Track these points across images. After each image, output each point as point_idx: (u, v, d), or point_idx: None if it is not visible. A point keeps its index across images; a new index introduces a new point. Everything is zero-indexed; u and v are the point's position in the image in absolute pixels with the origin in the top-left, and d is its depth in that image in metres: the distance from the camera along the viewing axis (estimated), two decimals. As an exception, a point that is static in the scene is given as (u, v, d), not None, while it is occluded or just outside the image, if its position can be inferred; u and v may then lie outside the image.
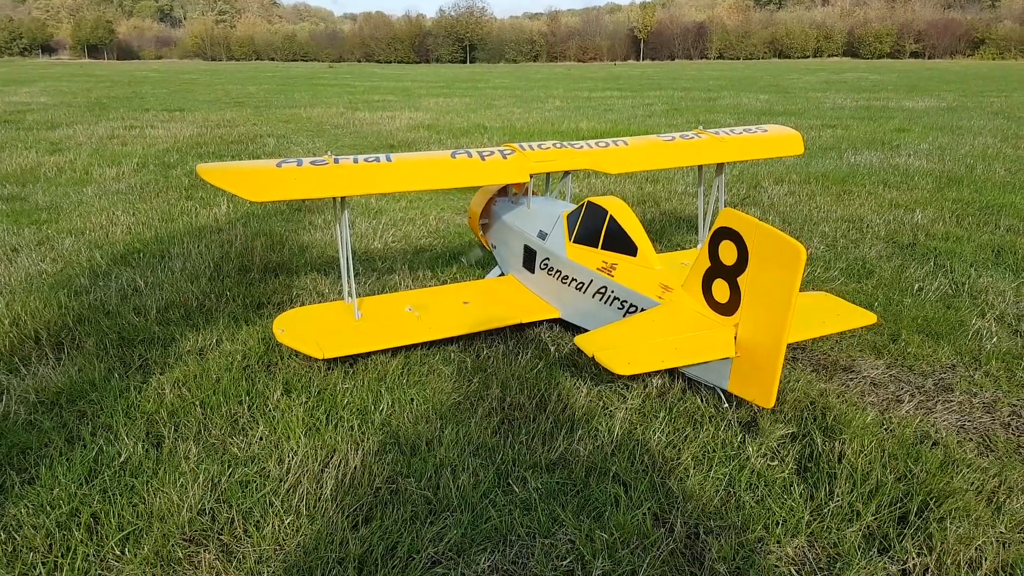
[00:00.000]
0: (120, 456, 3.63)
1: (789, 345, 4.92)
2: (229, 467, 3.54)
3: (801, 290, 3.46)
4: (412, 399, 4.25)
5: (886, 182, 10.68)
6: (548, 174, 5.86)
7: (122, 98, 29.13)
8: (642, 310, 4.30)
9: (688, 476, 3.47)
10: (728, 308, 3.79)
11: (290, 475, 3.49)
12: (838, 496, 3.33)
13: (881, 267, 6.66)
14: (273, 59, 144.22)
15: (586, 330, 4.45)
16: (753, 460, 3.58)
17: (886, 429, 3.94)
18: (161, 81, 45.23)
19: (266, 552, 3.00)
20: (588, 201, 4.96)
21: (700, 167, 6.12)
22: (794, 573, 2.93)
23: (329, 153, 4.77)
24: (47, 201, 9.75)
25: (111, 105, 25.43)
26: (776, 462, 3.61)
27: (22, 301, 5.67)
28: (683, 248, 7.16)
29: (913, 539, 3.05)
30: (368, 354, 4.69)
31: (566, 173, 5.85)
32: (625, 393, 4.26)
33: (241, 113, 22.71)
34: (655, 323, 4.04)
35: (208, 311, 5.62)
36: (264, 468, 3.55)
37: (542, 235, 5.32)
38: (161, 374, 4.54)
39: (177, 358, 4.79)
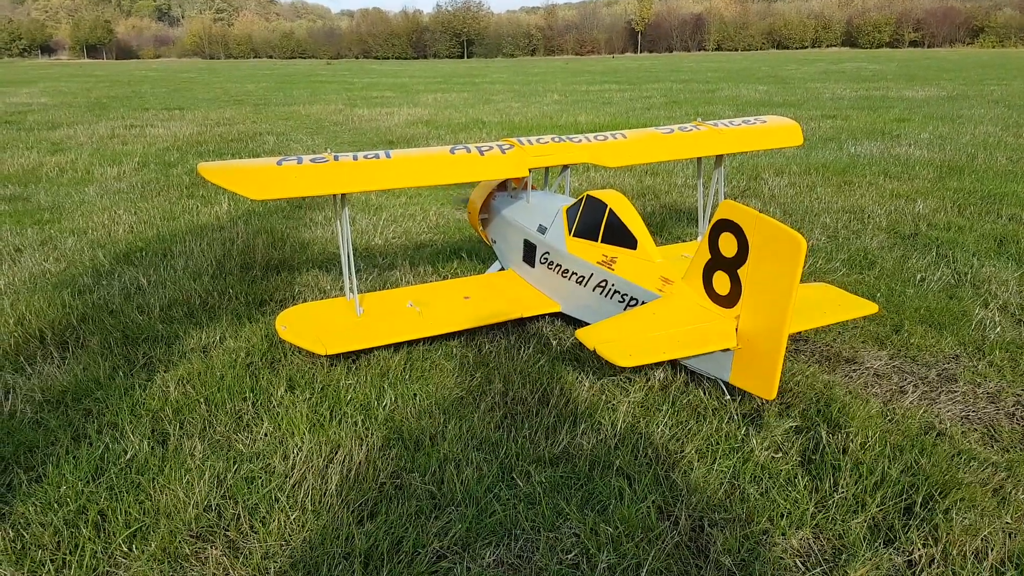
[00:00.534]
0: (126, 454, 3.64)
1: (790, 336, 4.95)
2: (234, 463, 3.55)
3: (801, 281, 3.46)
4: (415, 394, 4.26)
5: (887, 172, 10.66)
6: (547, 168, 5.87)
7: (122, 97, 29.12)
8: (643, 303, 4.30)
9: (692, 469, 3.48)
10: (729, 300, 3.79)
11: (295, 471, 3.50)
12: (843, 488, 3.33)
13: (883, 258, 6.65)
14: (271, 57, 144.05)
15: (587, 324, 4.48)
16: (757, 453, 3.58)
17: (890, 420, 3.94)
18: (160, 80, 45.20)
19: (272, 548, 3.01)
20: (587, 195, 4.97)
21: (699, 159, 6.10)
22: (799, 565, 2.93)
23: (329, 151, 4.78)
24: (49, 201, 9.76)
25: (111, 105, 25.42)
26: (780, 454, 3.61)
27: (26, 301, 5.68)
28: (683, 240, 7.15)
29: (919, 530, 3.06)
30: (370, 350, 4.70)
31: (565, 167, 5.84)
32: (628, 387, 4.26)
33: (240, 111, 22.70)
34: (656, 316, 4.04)
35: (211, 309, 5.63)
36: (269, 464, 3.56)
37: (542, 229, 5.33)
38: (166, 372, 4.55)
39: (181, 356, 4.80)
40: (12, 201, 9.80)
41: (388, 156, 4.80)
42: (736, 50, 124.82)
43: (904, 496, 3.27)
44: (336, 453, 3.65)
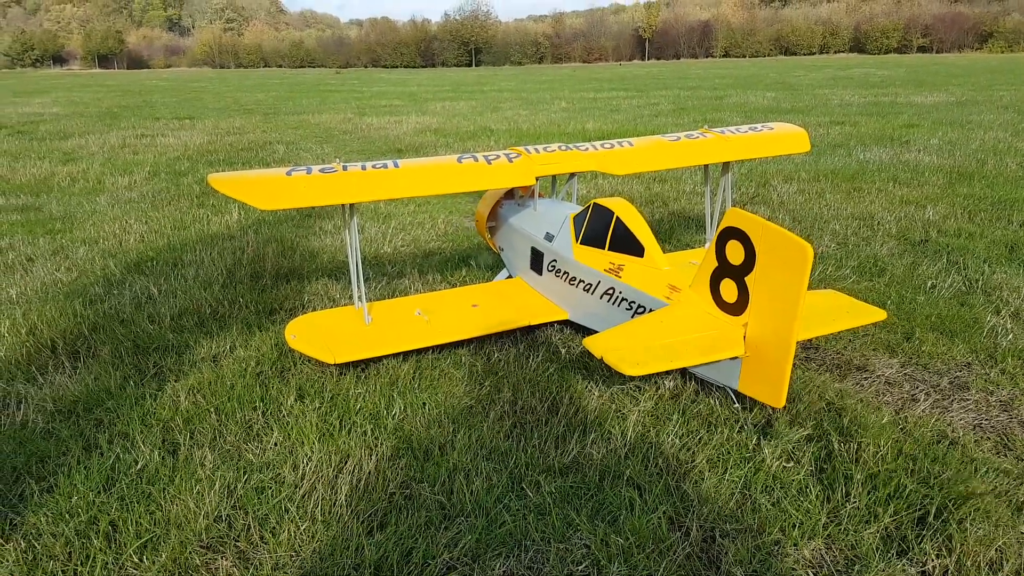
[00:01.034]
0: (137, 464, 3.65)
1: (799, 344, 4.93)
2: (244, 473, 3.56)
3: (809, 288, 3.45)
4: (424, 403, 4.26)
5: (896, 179, 10.61)
6: (554, 176, 5.90)
7: (133, 107, 29.37)
8: (650, 311, 4.30)
9: (703, 479, 3.46)
10: (736, 308, 3.79)
11: (305, 481, 3.50)
12: (855, 498, 3.31)
13: (893, 265, 6.62)
14: (281, 66, 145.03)
15: (595, 331, 4.46)
16: (769, 462, 3.56)
17: (902, 429, 3.91)
18: (171, 90, 45.58)
19: (282, 558, 3.01)
20: (594, 203, 5.00)
21: (707, 166, 6.10)
22: None
23: (338, 160, 4.78)
24: (61, 211, 9.85)
25: (122, 114, 25.65)
26: (792, 464, 3.59)
27: (38, 310, 5.73)
28: (692, 247, 7.14)
29: (932, 541, 3.03)
30: (379, 358, 4.72)
31: (572, 175, 5.86)
32: (637, 396, 4.25)
33: (250, 120, 22.85)
34: (663, 324, 4.03)
35: (221, 318, 5.65)
36: (279, 474, 3.57)
37: (549, 237, 5.36)
38: (176, 381, 4.57)
39: (191, 365, 4.82)
40: (24, 211, 9.89)
41: (396, 165, 4.85)
42: (744, 57, 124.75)
43: (918, 506, 3.24)
44: (346, 463, 3.65)
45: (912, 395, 4.36)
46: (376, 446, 3.80)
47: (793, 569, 2.93)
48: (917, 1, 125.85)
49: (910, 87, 30.79)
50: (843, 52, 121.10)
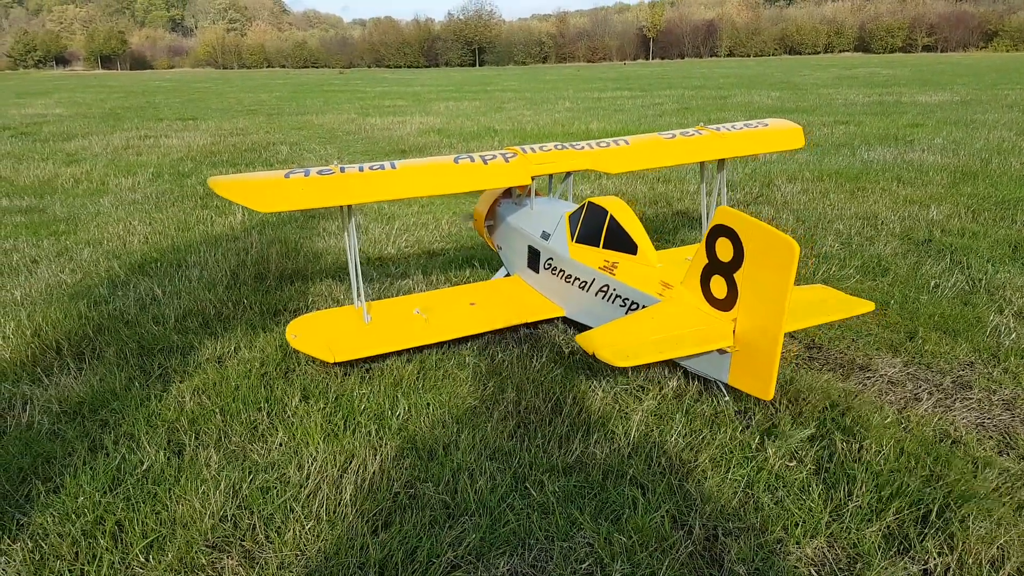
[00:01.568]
0: (143, 464, 3.68)
1: (798, 340, 4.94)
2: (250, 474, 3.58)
3: (803, 283, 3.48)
4: (428, 404, 4.27)
5: (900, 178, 10.60)
6: (551, 175, 5.94)
7: (136, 108, 29.47)
8: (643, 307, 4.37)
9: (706, 478, 3.47)
10: (726, 304, 3.87)
11: (310, 481, 3.52)
12: (857, 496, 3.32)
13: (897, 264, 6.61)
14: (284, 66, 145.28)
15: (590, 328, 4.52)
16: (772, 461, 3.57)
17: (905, 428, 3.92)
18: (174, 90, 45.70)
19: (287, 558, 3.04)
20: (588, 201, 5.06)
21: (702, 164, 6.15)
22: (814, 574, 2.92)
23: (336, 162, 4.86)
24: (65, 212, 9.89)
25: (125, 115, 25.73)
26: (795, 463, 3.60)
27: (43, 312, 5.76)
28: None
29: (934, 539, 3.04)
30: (379, 357, 4.75)
31: (568, 174, 5.90)
32: (641, 396, 4.26)
33: (254, 121, 22.91)
34: (655, 319, 4.11)
35: (226, 319, 5.68)
36: (284, 474, 3.59)
37: (545, 235, 5.41)
38: (181, 382, 4.59)
39: (196, 366, 4.84)
40: (28, 212, 9.94)
41: (394, 167, 4.87)
42: (748, 56, 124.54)
43: (920, 505, 3.24)
44: (350, 463, 3.67)
45: (915, 394, 4.36)
46: (380, 446, 3.82)
47: (796, 567, 2.94)
48: (922, 0, 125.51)
49: (915, 86, 30.72)
50: (848, 51, 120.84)
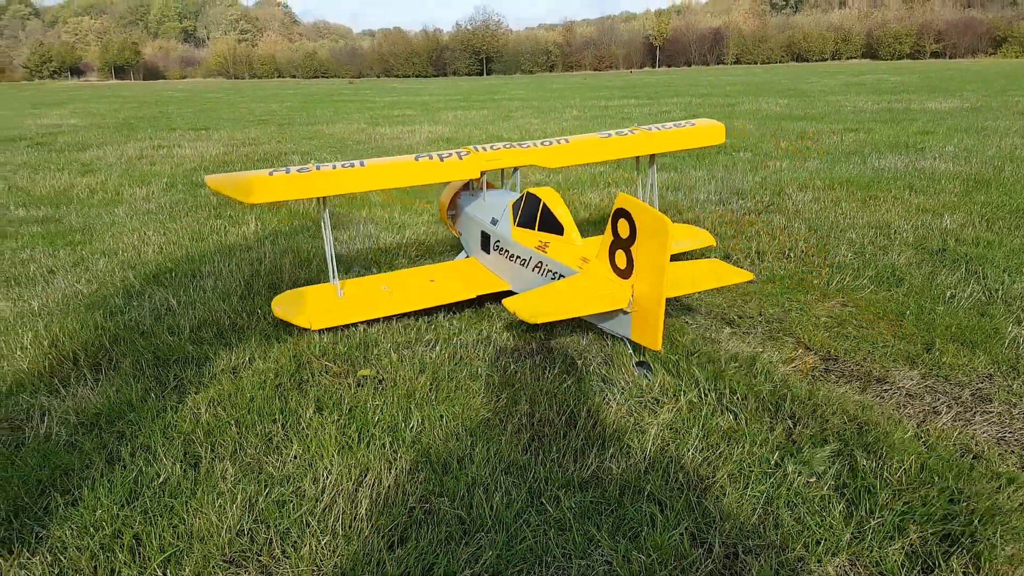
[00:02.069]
0: (159, 477, 3.68)
1: (811, 350, 4.92)
2: (266, 487, 3.58)
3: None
4: (441, 416, 4.26)
5: (912, 186, 10.53)
6: (502, 170, 6.92)
7: (149, 118, 29.72)
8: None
9: (725, 494, 3.44)
10: (626, 272, 4.67)
11: (325, 494, 3.52)
12: (879, 514, 3.28)
13: (911, 274, 6.56)
14: (295, 76, 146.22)
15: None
16: (791, 477, 3.54)
17: (925, 443, 3.88)
18: (186, 100, 46.07)
19: (304, 573, 3.03)
20: (527, 192, 5.83)
21: (638, 159, 6.95)
22: (836, 592, 2.89)
23: (313, 163, 5.93)
24: (80, 222, 9.97)
25: (139, 125, 25.96)
26: (814, 479, 3.56)
27: (60, 322, 5.79)
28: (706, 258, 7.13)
29: (959, 558, 2.99)
30: (349, 326, 5.50)
31: (515, 169, 6.72)
32: (656, 408, 4.24)
33: (265, 131, 23.06)
34: (572, 286, 5.02)
35: (240, 329, 5.70)
36: (299, 487, 3.59)
37: (494, 222, 6.22)
38: (196, 393, 4.60)
39: (211, 377, 4.85)
40: (45, 222, 10.03)
41: (363, 164, 5.76)
42: (755, 63, 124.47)
43: (943, 522, 3.20)
44: (365, 476, 3.66)
45: (934, 407, 4.32)
46: (395, 459, 3.81)
47: (817, 586, 2.90)
48: (930, 6, 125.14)
49: (924, 93, 30.59)
50: (855, 58, 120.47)
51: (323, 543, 3.18)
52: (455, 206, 7.19)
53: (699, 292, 5.89)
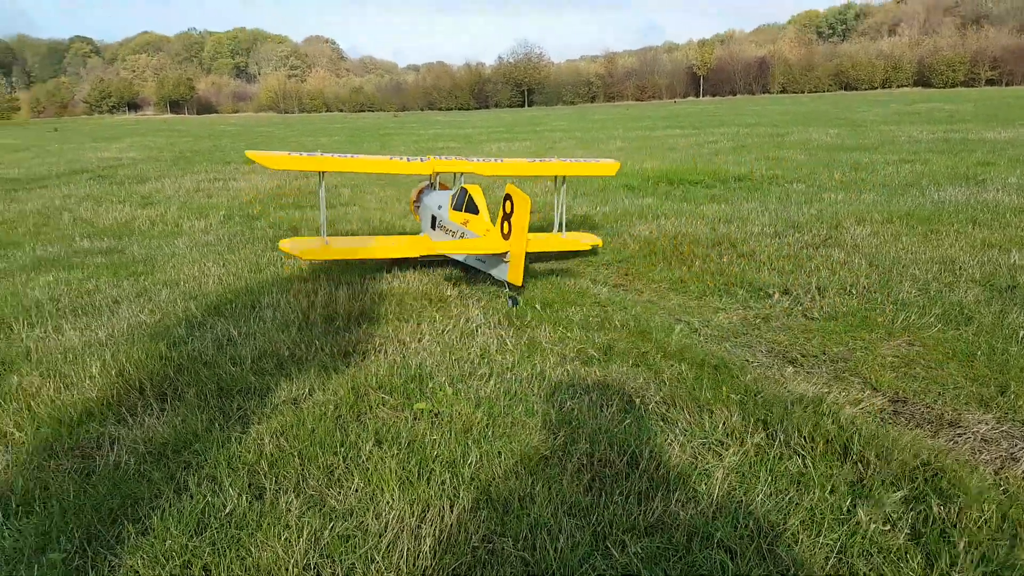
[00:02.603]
0: (225, 508, 3.73)
1: (878, 391, 4.77)
2: (330, 520, 3.59)
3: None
4: (500, 452, 4.24)
5: (975, 220, 10.21)
6: (454, 174, 9.06)
7: (204, 151, 30.83)
8: None
9: (798, 542, 3.33)
10: (508, 236, 7.04)
11: (388, 530, 3.51)
12: (960, 567, 3.13)
13: (980, 313, 6.33)
14: (342, 110, 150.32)
15: (463, 263, 8.29)
16: (864, 525, 3.41)
17: (1005, 492, 3.70)
18: (239, 134, 47.70)
19: (370, 611, 3.02)
20: (462, 187, 8.31)
21: (555, 178, 9.37)
22: (921, 651, 2.75)
23: (319, 151, 8.53)
24: (142, 253, 10.33)
25: (195, 159, 26.94)
26: (889, 527, 3.43)
27: (126, 352, 5.97)
28: (764, 295, 7.00)
29: (1053, 618, 2.84)
30: (333, 262, 8.68)
31: (460, 174, 8.97)
32: (721, 451, 4.14)
33: (315, 163, 23.61)
34: (475, 244, 7.62)
35: (299, 360, 5.79)
36: (363, 522, 3.59)
37: (440, 207, 8.68)
38: (259, 424, 4.67)
39: (273, 408, 4.93)
40: (109, 254, 10.42)
41: (354, 157, 8.57)
42: (802, 92, 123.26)
43: (1032, 579, 3.04)
44: (427, 512, 3.65)
45: (1011, 454, 4.12)
46: (456, 496, 3.79)
47: (900, 644, 2.77)
48: (984, 33, 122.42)
49: (980, 122, 29.81)
50: (907, 86, 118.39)
51: (388, 581, 3.17)
52: (419, 199, 9.60)
53: (569, 255, 9.23)
